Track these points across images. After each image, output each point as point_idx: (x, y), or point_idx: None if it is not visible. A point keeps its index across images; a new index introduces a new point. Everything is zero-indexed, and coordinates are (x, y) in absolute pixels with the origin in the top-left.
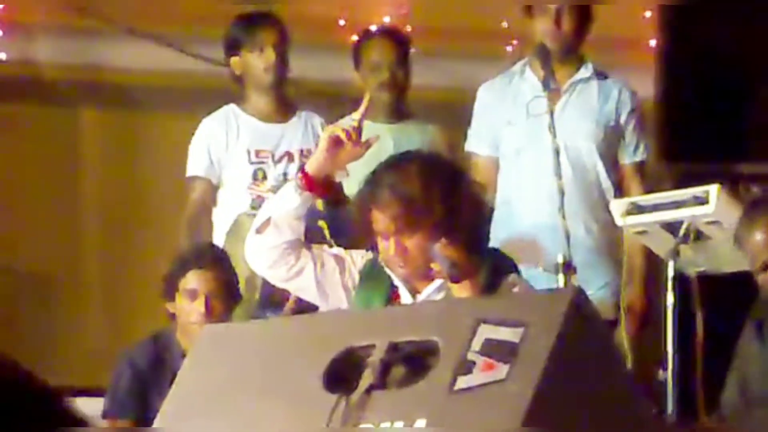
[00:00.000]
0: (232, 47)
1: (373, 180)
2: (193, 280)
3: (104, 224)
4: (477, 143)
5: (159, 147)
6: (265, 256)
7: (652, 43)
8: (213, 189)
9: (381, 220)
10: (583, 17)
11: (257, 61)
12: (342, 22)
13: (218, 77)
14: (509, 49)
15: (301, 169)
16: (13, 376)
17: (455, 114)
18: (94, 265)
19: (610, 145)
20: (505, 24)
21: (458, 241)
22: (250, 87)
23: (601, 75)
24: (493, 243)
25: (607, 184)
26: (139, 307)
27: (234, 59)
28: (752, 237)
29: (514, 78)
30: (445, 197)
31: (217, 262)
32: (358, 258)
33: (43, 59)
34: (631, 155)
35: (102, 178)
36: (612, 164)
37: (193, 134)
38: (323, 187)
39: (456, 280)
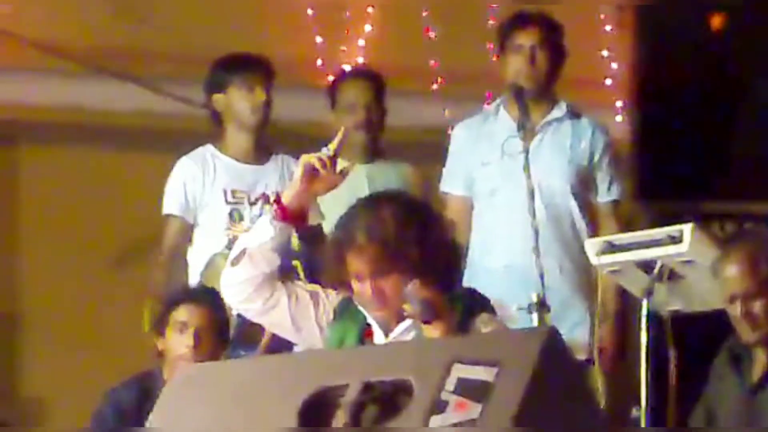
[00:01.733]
0: (218, 85)
1: (348, 222)
2: (184, 313)
3: (78, 263)
4: (451, 183)
5: (128, 186)
6: (240, 289)
7: (608, 82)
8: (188, 228)
9: (356, 262)
10: (557, 56)
11: (244, 101)
12: (319, 62)
13: (189, 118)
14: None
15: (277, 199)
16: None
17: (426, 153)
18: (69, 304)
19: (583, 184)
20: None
21: (431, 281)
22: (231, 126)
23: (574, 114)
24: (467, 282)
25: (581, 223)
26: (108, 346)
27: (217, 96)
28: (725, 270)
29: (489, 118)
30: (420, 239)
31: (209, 299)
32: (332, 295)
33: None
34: (604, 194)
35: (76, 216)
36: (585, 203)
37: (165, 174)
38: (298, 217)
39: (428, 321)
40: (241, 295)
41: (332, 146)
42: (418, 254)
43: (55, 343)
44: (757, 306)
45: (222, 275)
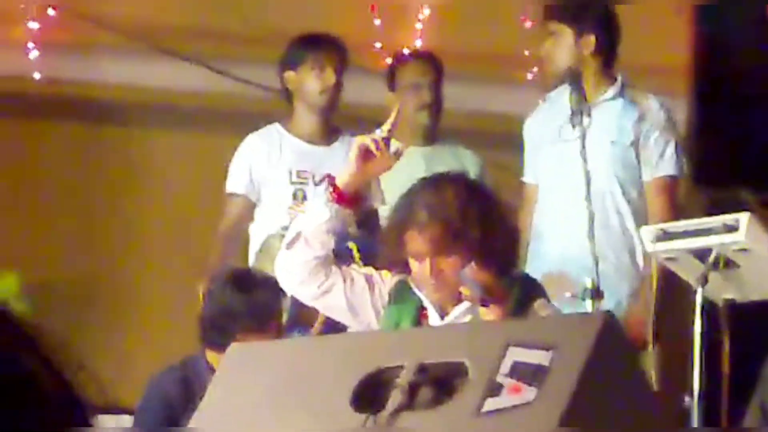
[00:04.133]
0: (291, 62)
1: (410, 200)
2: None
3: (120, 241)
4: (526, 172)
5: (167, 165)
6: (295, 272)
7: (672, 68)
8: (250, 207)
9: (417, 241)
10: (606, 36)
11: (315, 81)
12: (378, 45)
13: (253, 99)
14: (530, 76)
15: (331, 181)
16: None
17: (476, 139)
18: (110, 282)
19: (629, 166)
20: (527, 52)
21: (489, 265)
22: (300, 105)
23: (626, 92)
24: (528, 268)
25: (623, 205)
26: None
27: (289, 73)
28: None
29: (553, 104)
30: (481, 221)
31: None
32: (388, 278)
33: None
34: (652, 170)
35: (118, 194)
36: (633, 184)
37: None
38: (354, 200)
39: (485, 304)
40: (297, 278)
41: (385, 127)
42: (479, 236)
43: (107, 320)
44: None
45: (277, 259)
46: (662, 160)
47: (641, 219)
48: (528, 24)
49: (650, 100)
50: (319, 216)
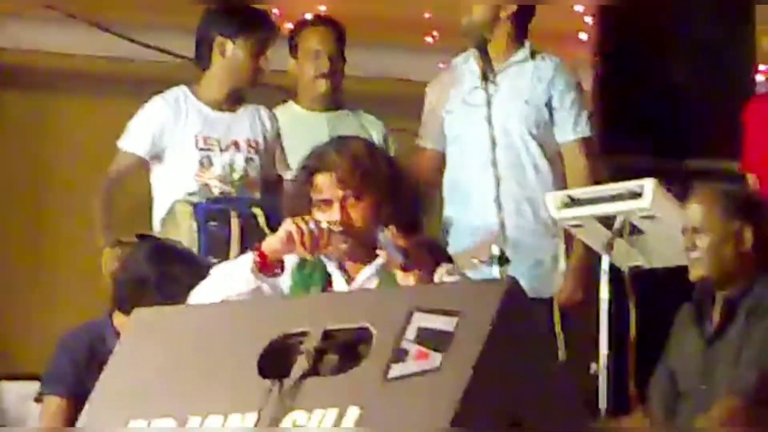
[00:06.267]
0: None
1: (316, 150)
2: None
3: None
4: (424, 138)
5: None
6: None
7: (583, 36)
8: (140, 165)
9: (327, 184)
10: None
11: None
12: (275, 11)
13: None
14: (429, 40)
15: (258, 249)
16: None
17: (373, 103)
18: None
19: (544, 126)
20: (427, 15)
21: (404, 228)
22: (220, 72)
23: (536, 55)
24: (447, 236)
25: (543, 164)
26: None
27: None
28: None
29: (457, 68)
30: (390, 168)
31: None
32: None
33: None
34: (568, 133)
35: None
36: (549, 144)
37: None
38: (277, 267)
39: (407, 269)
40: None
41: (324, 224)
42: (387, 176)
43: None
44: (704, 240)
45: (190, 296)
46: (579, 122)
47: (558, 179)
48: None
49: (560, 65)
50: (246, 283)
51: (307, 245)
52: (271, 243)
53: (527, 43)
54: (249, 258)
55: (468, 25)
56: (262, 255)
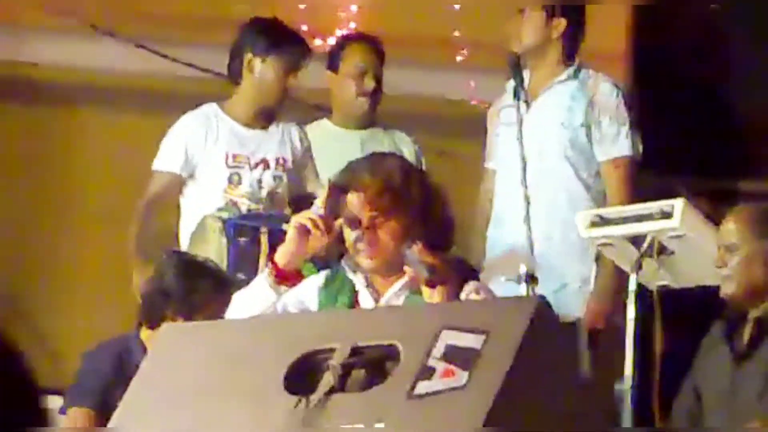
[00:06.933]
0: (245, 49)
1: (350, 167)
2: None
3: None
4: (487, 158)
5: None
6: None
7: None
8: (178, 183)
9: (356, 203)
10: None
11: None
12: (304, 28)
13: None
14: (459, 58)
15: (271, 260)
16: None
17: (403, 121)
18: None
19: (581, 146)
20: (456, 33)
21: (433, 245)
22: (250, 89)
23: (580, 73)
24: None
25: (576, 185)
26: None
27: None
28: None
29: (506, 90)
30: (422, 186)
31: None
32: (311, 279)
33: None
34: (606, 152)
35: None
36: (587, 164)
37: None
38: (294, 277)
39: (433, 285)
40: None
41: (320, 203)
42: (419, 200)
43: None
44: (734, 258)
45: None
46: (617, 141)
47: (600, 200)
48: (456, 6)
49: (603, 83)
50: (266, 299)
51: (321, 228)
52: (283, 248)
53: (576, 61)
54: (264, 274)
55: (520, 51)
56: (276, 266)
